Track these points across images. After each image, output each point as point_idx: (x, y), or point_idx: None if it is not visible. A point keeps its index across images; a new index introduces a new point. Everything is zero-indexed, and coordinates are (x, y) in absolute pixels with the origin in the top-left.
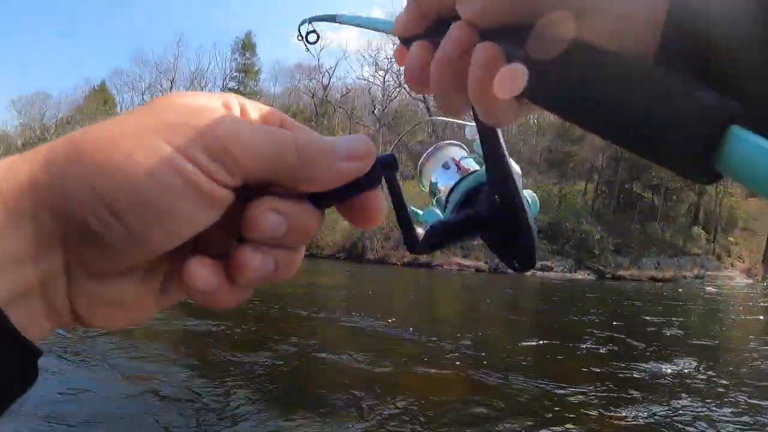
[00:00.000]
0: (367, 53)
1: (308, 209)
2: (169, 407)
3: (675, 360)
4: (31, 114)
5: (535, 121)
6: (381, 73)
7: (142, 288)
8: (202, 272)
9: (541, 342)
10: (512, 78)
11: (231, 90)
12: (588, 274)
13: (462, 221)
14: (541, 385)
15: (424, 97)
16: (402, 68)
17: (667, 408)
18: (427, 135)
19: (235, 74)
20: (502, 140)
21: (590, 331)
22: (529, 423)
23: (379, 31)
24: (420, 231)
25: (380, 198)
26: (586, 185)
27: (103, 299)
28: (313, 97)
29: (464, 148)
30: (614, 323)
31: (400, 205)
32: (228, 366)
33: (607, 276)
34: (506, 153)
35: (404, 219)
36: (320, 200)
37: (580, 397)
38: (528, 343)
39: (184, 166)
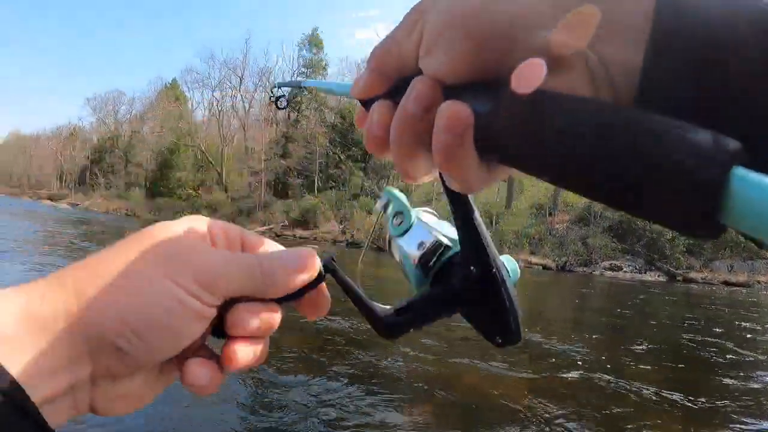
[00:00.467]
0: None
1: (273, 309)
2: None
3: (758, 372)
4: (105, 111)
5: None
6: None
7: (146, 380)
8: (202, 371)
9: (607, 341)
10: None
11: None
12: (658, 275)
13: (437, 298)
14: (612, 385)
15: None
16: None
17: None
18: None
19: (303, 70)
20: (473, 205)
21: (663, 334)
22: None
23: (336, 95)
24: (385, 307)
25: (324, 293)
26: None
27: (117, 395)
28: None
29: (435, 214)
30: (690, 326)
31: (351, 293)
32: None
33: (678, 278)
34: (479, 219)
35: (361, 306)
36: (281, 301)
37: (660, 406)
38: (595, 341)
39: (184, 297)
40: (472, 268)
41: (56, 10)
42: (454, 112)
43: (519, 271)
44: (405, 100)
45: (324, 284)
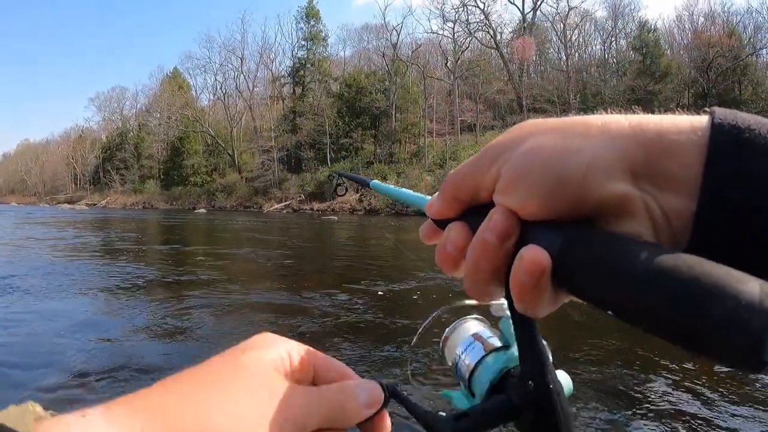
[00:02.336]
0: (433, 6)
1: None
2: None
3: None
4: (110, 108)
5: (615, 59)
6: (449, 24)
7: None
8: None
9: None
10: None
11: (300, 59)
12: None
13: (497, 408)
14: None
15: (496, 44)
16: (470, 16)
17: None
18: (503, 83)
19: (303, 43)
20: (537, 327)
21: None
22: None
23: (410, 206)
24: (442, 414)
25: (385, 421)
26: None
27: None
28: (383, 56)
29: (486, 323)
30: None
31: (413, 412)
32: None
33: None
34: (540, 337)
35: (425, 421)
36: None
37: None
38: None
39: None
40: (530, 383)
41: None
42: (534, 258)
43: (572, 385)
44: (483, 230)
45: (386, 411)
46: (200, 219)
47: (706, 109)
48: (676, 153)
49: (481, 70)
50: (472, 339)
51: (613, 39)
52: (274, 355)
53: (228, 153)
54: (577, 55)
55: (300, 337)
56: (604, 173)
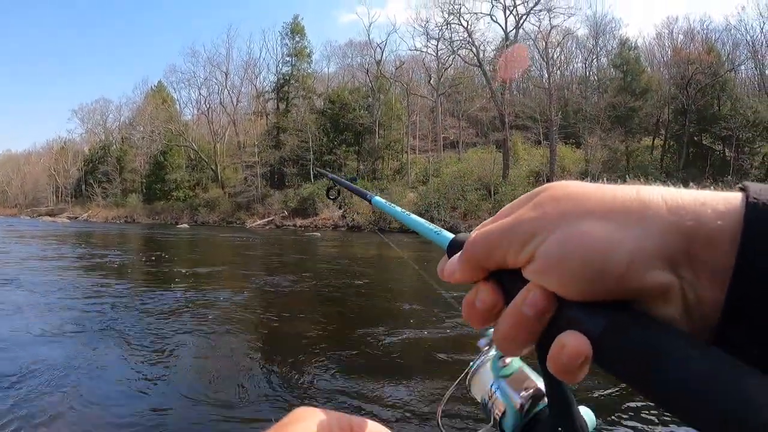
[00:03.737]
0: (416, 24)
1: None
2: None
3: None
4: (93, 120)
5: (596, 77)
6: (433, 42)
7: None
8: None
9: None
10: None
11: (285, 75)
12: None
13: None
14: None
15: (479, 62)
16: (454, 34)
17: None
18: (486, 100)
19: (287, 59)
20: (569, 388)
21: None
22: None
23: (417, 232)
24: None
25: None
26: (653, 141)
27: None
28: (367, 73)
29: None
30: None
31: None
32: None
33: None
34: (572, 394)
35: None
36: None
37: None
38: None
39: None
40: (560, 429)
41: (29, 23)
42: (577, 348)
43: (595, 420)
44: (521, 305)
45: None
46: (184, 234)
47: (741, 185)
48: (714, 240)
49: (464, 87)
50: (523, 377)
51: (594, 57)
52: (319, 428)
53: (211, 168)
54: (559, 72)
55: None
56: (646, 264)
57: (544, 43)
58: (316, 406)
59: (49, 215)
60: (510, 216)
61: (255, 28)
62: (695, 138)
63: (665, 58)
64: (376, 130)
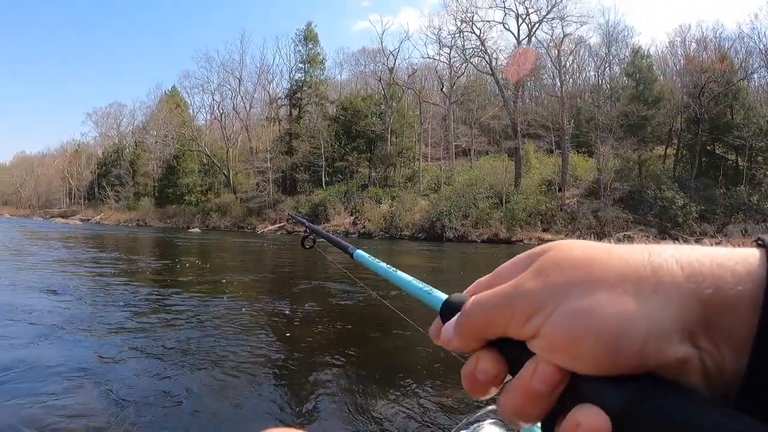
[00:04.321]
0: (429, 31)
1: None
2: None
3: None
4: (107, 124)
5: (609, 85)
6: (446, 50)
7: None
8: None
9: None
10: None
11: (298, 81)
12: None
13: None
14: None
15: (492, 71)
16: (466, 42)
17: None
18: (498, 108)
19: (300, 65)
20: None
21: None
22: None
23: (404, 291)
24: None
25: None
26: (665, 150)
27: None
28: (380, 80)
29: (505, 427)
30: None
31: None
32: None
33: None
34: None
35: None
36: None
37: None
38: None
39: None
40: None
41: (42, 29)
42: (594, 426)
43: None
44: (530, 377)
45: None
46: (196, 238)
47: (759, 239)
48: (734, 307)
49: (477, 95)
50: None
51: (606, 65)
52: None
53: (223, 173)
54: (571, 81)
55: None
56: (664, 339)
57: (556, 52)
58: (289, 426)
59: (62, 217)
60: (510, 283)
61: (269, 34)
62: (708, 147)
63: (678, 67)
64: (389, 137)
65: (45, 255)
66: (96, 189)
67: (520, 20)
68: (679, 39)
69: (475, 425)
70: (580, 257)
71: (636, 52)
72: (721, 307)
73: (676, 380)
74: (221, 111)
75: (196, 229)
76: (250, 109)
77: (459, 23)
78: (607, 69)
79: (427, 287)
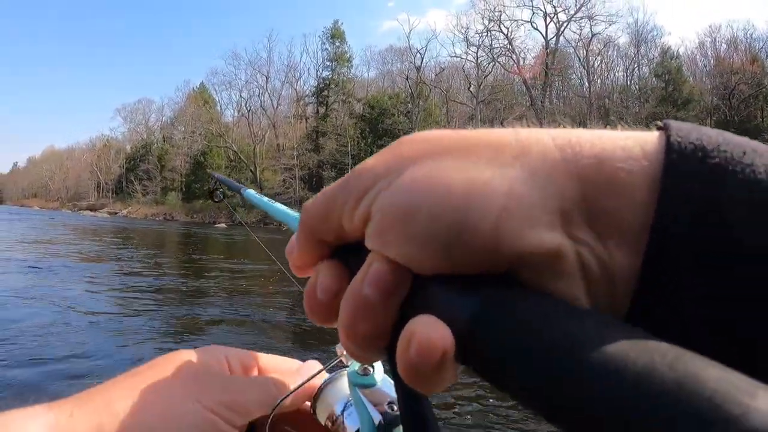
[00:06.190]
0: (456, 30)
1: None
2: None
3: None
4: (136, 120)
5: (637, 86)
6: (473, 49)
7: None
8: None
9: None
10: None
11: (325, 79)
12: None
13: None
14: None
15: (519, 70)
16: (494, 41)
17: None
18: (525, 109)
19: (327, 63)
20: (429, 404)
21: None
22: None
23: (282, 223)
24: None
25: None
26: None
27: None
28: (407, 78)
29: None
30: None
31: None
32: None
33: None
34: (433, 414)
35: None
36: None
37: None
38: None
39: (209, 416)
40: None
41: (77, 22)
42: (428, 338)
43: None
44: (360, 282)
45: None
46: (220, 233)
47: (659, 123)
48: (623, 187)
49: (504, 95)
50: (386, 389)
51: (635, 65)
52: (208, 353)
53: (250, 169)
54: (599, 81)
55: None
56: (525, 219)
57: (584, 51)
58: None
59: (90, 210)
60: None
61: (296, 32)
62: None
63: (707, 68)
64: None
65: (90, 247)
66: (124, 183)
67: (548, 19)
68: (709, 39)
69: (336, 372)
70: (437, 132)
71: (665, 52)
72: (607, 185)
73: (543, 284)
74: (248, 108)
75: (222, 225)
76: (277, 107)
77: (487, 22)
78: (636, 69)
79: (296, 213)
